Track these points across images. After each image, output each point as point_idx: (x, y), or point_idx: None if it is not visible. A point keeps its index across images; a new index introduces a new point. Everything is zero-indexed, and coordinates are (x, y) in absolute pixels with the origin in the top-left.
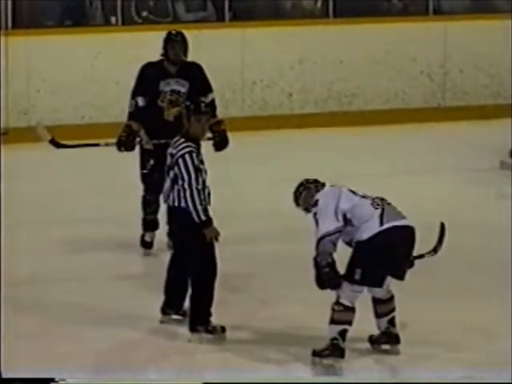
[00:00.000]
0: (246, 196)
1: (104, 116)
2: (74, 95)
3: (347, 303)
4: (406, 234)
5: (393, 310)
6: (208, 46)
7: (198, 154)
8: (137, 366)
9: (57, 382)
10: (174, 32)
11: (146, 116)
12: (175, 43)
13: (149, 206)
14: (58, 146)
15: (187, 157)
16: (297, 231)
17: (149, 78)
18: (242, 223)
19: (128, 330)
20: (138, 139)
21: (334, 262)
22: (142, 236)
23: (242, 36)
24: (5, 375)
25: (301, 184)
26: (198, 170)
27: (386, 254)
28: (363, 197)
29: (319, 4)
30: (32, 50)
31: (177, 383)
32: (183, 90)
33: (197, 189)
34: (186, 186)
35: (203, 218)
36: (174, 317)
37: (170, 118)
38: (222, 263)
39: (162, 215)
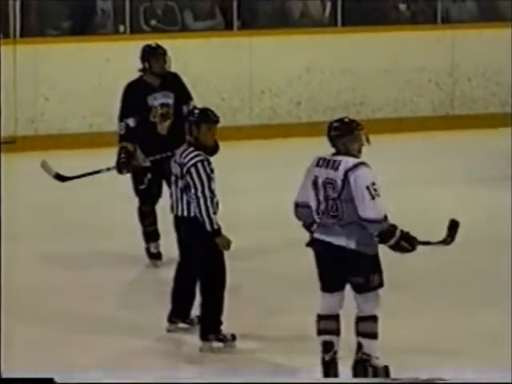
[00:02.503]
0: (253, 205)
1: (112, 125)
2: (82, 104)
3: (321, 312)
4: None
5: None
6: (216, 54)
7: (209, 162)
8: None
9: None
10: (154, 45)
11: (138, 134)
12: (159, 56)
13: (146, 217)
14: (63, 179)
15: (199, 165)
16: (304, 241)
17: (135, 96)
18: (247, 233)
19: (135, 339)
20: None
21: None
22: (147, 248)
23: (250, 45)
24: (4, 375)
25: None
26: (211, 179)
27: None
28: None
29: (327, 13)
30: (40, 58)
31: (177, 382)
32: (170, 101)
33: (210, 197)
34: (200, 194)
35: (216, 226)
36: (181, 325)
37: (163, 132)
38: (230, 274)
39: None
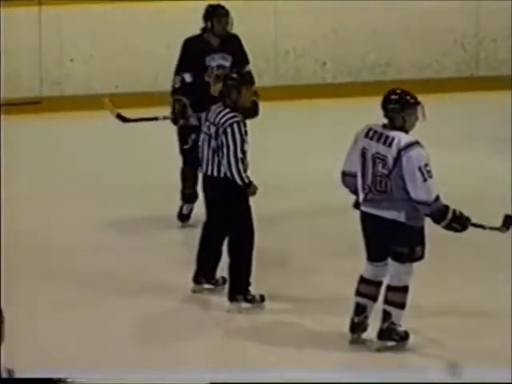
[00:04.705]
0: (278, 166)
1: (138, 85)
2: (107, 64)
3: (365, 275)
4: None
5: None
6: (240, 15)
7: (245, 124)
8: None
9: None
10: (219, 5)
11: (192, 91)
12: (222, 17)
13: (188, 179)
14: (125, 120)
15: (235, 126)
16: (333, 204)
17: (194, 53)
18: (276, 195)
19: (160, 300)
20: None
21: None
22: (181, 208)
23: (274, 5)
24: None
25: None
26: (244, 141)
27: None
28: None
29: None
30: (65, 19)
31: (180, 383)
32: (227, 64)
33: (241, 158)
34: (232, 154)
35: (247, 180)
36: (206, 286)
37: (215, 93)
38: (259, 236)
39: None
